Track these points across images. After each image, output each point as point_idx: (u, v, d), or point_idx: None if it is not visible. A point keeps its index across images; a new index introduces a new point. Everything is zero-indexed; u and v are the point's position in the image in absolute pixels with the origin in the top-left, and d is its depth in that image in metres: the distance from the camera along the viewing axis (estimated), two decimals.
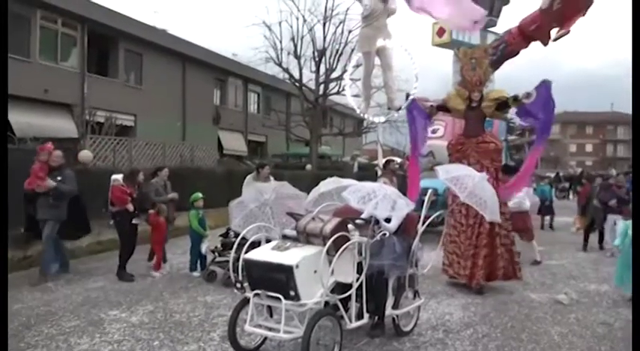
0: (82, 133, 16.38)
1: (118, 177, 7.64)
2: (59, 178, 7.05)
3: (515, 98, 6.76)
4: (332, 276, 4.27)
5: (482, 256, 6.69)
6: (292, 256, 4.14)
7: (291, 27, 25.45)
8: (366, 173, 17.50)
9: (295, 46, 25.54)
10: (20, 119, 16.25)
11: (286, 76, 26.47)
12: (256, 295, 4.22)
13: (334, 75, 25.74)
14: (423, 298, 5.47)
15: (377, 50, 8.38)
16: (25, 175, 7.03)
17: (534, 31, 6.92)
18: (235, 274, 4.45)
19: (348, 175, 17.13)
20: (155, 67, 23.95)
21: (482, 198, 5.11)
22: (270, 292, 4.13)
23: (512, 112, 7.38)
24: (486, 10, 8.11)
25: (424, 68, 8.66)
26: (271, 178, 8.59)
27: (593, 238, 10.65)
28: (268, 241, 4.69)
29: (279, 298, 4.05)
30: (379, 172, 9.40)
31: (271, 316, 4.49)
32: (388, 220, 4.70)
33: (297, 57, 25.72)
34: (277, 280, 4.09)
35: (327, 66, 25.75)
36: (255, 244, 4.63)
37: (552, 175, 27.93)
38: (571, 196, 24.64)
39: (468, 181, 5.14)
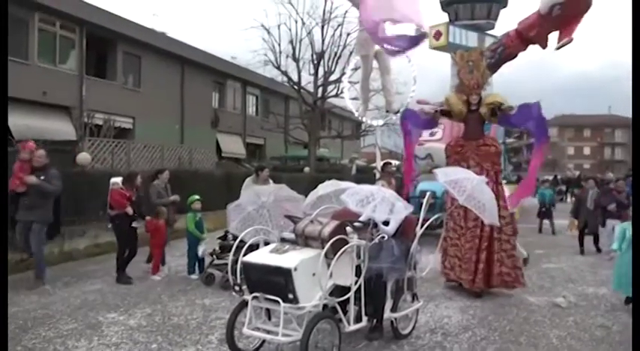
0: (80, 136, 16.36)
1: (117, 180, 7.60)
2: (42, 178, 6.75)
3: (500, 107, 6.80)
4: (330, 279, 4.27)
5: (484, 260, 6.67)
6: (291, 258, 4.13)
7: (290, 30, 25.58)
8: (365, 176, 17.52)
9: (294, 48, 25.62)
10: (18, 122, 16.23)
11: (285, 78, 26.54)
12: (255, 297, 4.22)
13: (333, 78, 25.84)
14: (422, 301, 5.46)
15: (375, 53, 8.41)
16: None
17: (534, 36, 6.92)
18: (234, 277, 4.44)
19: (347, 177, 17.13)
20: (154, 70, 23.97)
21: (481, 201, 5.11)
22: (269, 295, 4.13)
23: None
24: (484, 14, 8.16)
25: (422, 71, 8.70)
26: (270, 180, 8.59)
27: (589, 240, 10.60)
28: (267, 243, 4.69)
29: (277, 301, 4.05)
30: (377, 175, 9.42)
31: (269, 319, 4.49)
32: (387, 223, 4.70)
33: (296, 60, 25.78)
34: (276, 283, 4.08)
35: (326, 69, 25.81)
36: (254, 247, 4.63)
37: (551, 178, 28.05)
38: (568, 199, 24.72)
39: (466, 184, 5.14)
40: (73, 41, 20.23)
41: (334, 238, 4.22)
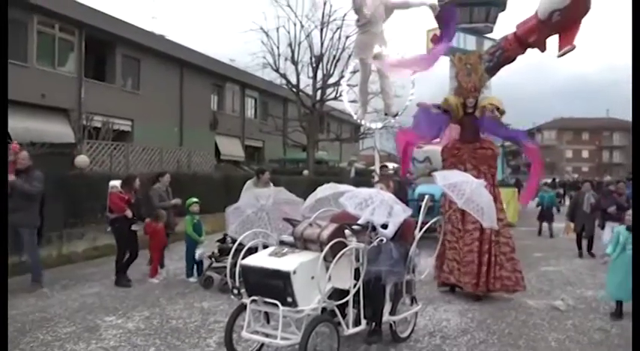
0: (79, 138, 16.37)
1: (115, 183, 7.59)
2: (23, 180, 6.64)
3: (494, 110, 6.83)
4: (329, 282, 4.27)
5: (486, 263, 6.66)
6: (289, 262, 4.13)
7: (289, 33, 25.59)
8: (363, 179, 17.53)
9: (292, 51, 25.65)
10: (17, 124, 16.20)
11: (283, 81, 26.55)
12: (253, 301, 4.21)
13: (331, 81, 25.84)
14: (421, 304, 5.45)
15: (373, 56, 8.42)
16: None
17: (533, 41, 6.93)
18: (232, 280, 4.44)
19: (345, 180, 17.17)
20: (153, 73, 23.97)
21: (480, 204, 5.12)
22: (268, 299, 4.12)
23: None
24: (482, 17, 8.23)
25: (421, 74, 8.70)
26: (270, 183, 8.59)
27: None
28: (265, 246, 4.69)
29: (276, 305, 4.04)
30: (376, 178, 9.43)
31: (268, 322, 4.48)
32: (385, 226, 4.69)
33: (295, 63, 25.82)
34: (274, 287, 4.08)
35: (325, 72, 25.83)
36: (253, 250, 4.63)
37: (549, 180, 28.12)
38: (566, 202, 24.75)
39: (465, 188, 5.14)
40: (72, 44, 20.22)
41: (333, 241, 4.22)
